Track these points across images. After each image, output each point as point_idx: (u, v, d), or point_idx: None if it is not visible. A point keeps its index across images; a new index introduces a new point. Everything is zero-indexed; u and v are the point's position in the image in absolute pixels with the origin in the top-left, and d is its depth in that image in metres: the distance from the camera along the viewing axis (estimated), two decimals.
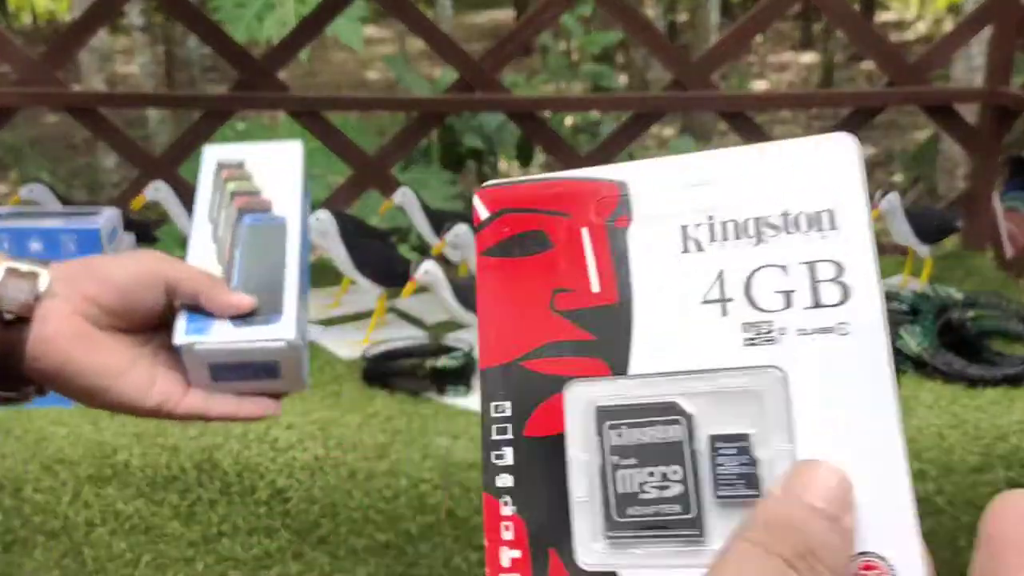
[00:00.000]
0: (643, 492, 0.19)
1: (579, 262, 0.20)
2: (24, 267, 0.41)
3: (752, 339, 0.19)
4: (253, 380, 0.44)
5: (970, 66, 2.90)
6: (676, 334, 0.19)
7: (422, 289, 0.92)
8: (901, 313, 1.04)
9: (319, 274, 1.24)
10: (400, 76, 2.88)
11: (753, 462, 0.18)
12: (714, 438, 0.19)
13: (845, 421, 0.18)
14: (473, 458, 0.81)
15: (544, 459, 0.19)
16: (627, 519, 0.19)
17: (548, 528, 0.19)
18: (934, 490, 0.81)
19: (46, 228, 1.01)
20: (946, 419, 0.85)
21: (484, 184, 0.22)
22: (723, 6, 5.41)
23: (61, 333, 0.40)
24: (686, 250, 0.20)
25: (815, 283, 0.19)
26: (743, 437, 0.18)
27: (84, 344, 0.40)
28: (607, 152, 1.39)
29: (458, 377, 0.91)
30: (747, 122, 1.36)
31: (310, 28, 1.34)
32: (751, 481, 0.18)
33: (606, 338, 0.20)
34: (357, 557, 0.81)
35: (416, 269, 0.88)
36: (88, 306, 0.41)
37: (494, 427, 0.20)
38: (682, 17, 6.48)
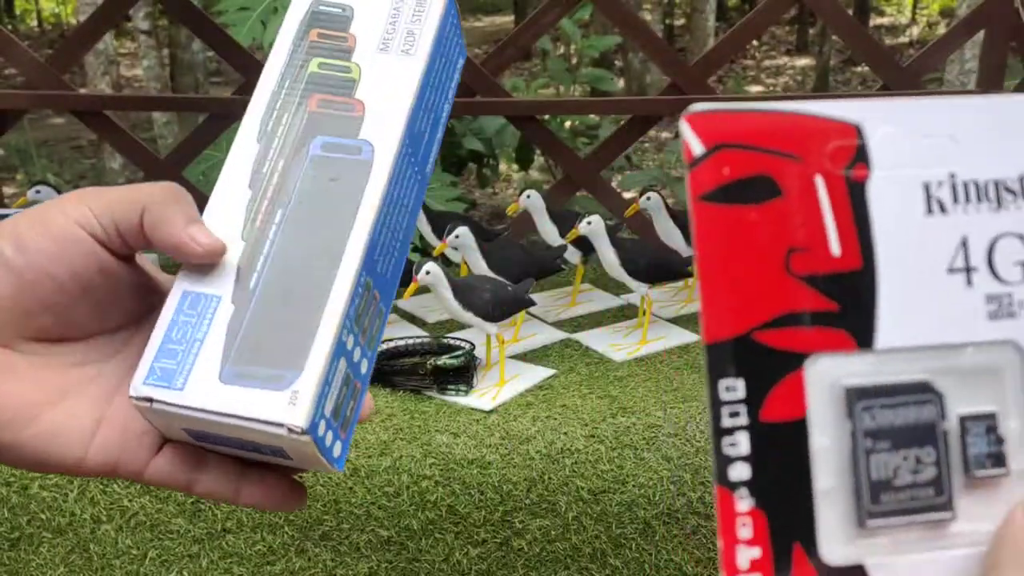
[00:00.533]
0: (897, 478, 0.18)
1: (815, 217, 0.18)
2: None
3: (995, 312, 0.18)
4: (253, 452, 0.28)
5: (963, 69, 2.92)
6: (922, 305, 0.18)
7: (424, 289, 0.93)
8: None
9: None
10: None
11: (1001, 441, 0.18)
12: (963, 418, 0.18)
13: None
14: (473, 455, 0.83)
15: (786, 446, 0.18)
16: (880, 507, 0.18)
17: (792, 522, 0.17)
18: None
19: None
20: None
21: (694, 108, 0.19)
22: (719, 10, 5.43)
23: None
24: (930, 211, 0.18)
25: None
26: (991, 416, 0.18)
27: None
28: (605, 154, 1.40)
29: (459, 375, 0.92)
30: None
31: None
32: (999, 459, 0.18)
33: (850, 308, 0.18)
34: (359, 553, 0.82)
35: (418, 270, 0.90)
36: None
37: (725, 410, 0.18)
38: (679, 21, 6.50)
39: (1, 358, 0.26)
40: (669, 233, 1.13)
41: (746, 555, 0.17)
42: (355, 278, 0.27)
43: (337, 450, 0.27)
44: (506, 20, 7.62)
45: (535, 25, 1.35)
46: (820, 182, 0.18)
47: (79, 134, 4.72)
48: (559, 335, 1.06)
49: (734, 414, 0.18)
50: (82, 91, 2.23)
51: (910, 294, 0.18)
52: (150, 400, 0.26)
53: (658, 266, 1.05)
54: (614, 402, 0.91)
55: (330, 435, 0.26)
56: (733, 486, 0.17)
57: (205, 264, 0.27)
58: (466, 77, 1.34)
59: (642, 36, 1.37)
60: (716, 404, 0.18)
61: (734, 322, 0.17)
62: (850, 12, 1.50)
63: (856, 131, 0.18)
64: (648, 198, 1.12)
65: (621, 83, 4.85)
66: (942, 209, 0.18)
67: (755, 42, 6.28)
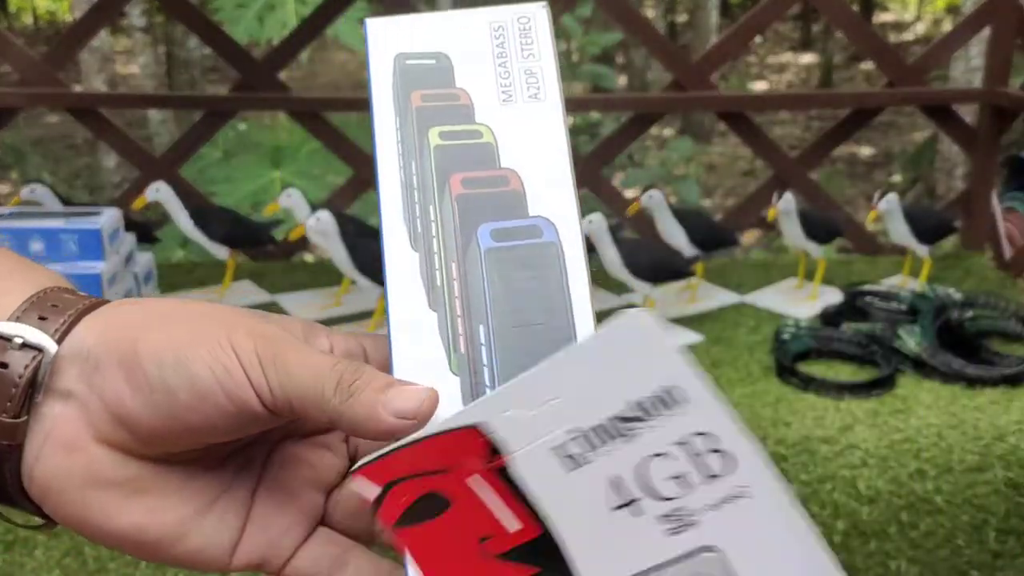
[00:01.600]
0: None
1: (484, 508, 0.20)
2: (25, 332, 0.23)
3: (675, 528, 0.20)
4: None
5: (969, 67, 2.91)
6: (606, 545, 0.20)
7: None
8: (900, 313, 1.05)
9: (319, 274, 1.24)
10: None
11: None
12: None
13: (790, 570, 0.19)
14: None
15: None
16: None
17: None
18: (932, 489, 0.81)
19: (47, 228, 1.01)
20: (945, 419, 0.86)
21: (357, 465, 0.22)
22: (722, 7, 5.42)
23: (63, 480, 0.24)
24: (572, 468, 0.20)
25: (697, 459, 0.19)
26: None
27: (112, 499, 0.24)
28: (607, 152, 1.39)
29: None
30: (746, 123, 1.36)
31: (310, 29, 1.34)
32: None
33: (548, 567, 0.20)
34: None
35: None
36: (115, 428, 0.24)
37: None
38: (682, 18, 6.49)
39: (148, 471, 0.25)
40: (671, 232, 1.12)
41: None
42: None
43: None
44: None
45: None
46: (476, 480, 0.20)
47: (74, 132, 4.71)
48: None
49: None
50: (77, 89, 2.22)
51: (590, 540, 0.20)
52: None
53: (660, 265, 1.03)
54: None
55: None
56: None
57: None
58: None
59: (644, 33, 1.35)
60: None
61: None
62: (854, 8, 1.48)
63: (478, 431, 0.20)
64: (650, 196, 1.11)
65: (623, 80, 4.84)
66: (581, 462, 0.20)
67: (758, 39, 6.26)
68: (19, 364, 0.23)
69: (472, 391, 0.23)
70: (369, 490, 0.21)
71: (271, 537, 0.26)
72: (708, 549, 0.19)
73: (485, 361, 0.23)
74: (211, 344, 0.24)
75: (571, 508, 0.20)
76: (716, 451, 0.19)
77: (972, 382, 0.92)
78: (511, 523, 0.20)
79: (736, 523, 0.19)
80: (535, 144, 0.24)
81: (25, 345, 0.23)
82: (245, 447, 0.27)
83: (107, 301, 0.26)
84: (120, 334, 0.24)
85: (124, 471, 0.24)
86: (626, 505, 0.20)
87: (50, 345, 0.24)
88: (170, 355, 0.23)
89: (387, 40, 0.26)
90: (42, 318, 0.24)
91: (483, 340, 0.23)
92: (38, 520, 0.26)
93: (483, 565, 0.20)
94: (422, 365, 0.23)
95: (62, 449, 0.24)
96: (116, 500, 0.24)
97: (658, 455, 0.19)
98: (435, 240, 0.24)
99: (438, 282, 0.24)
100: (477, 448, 0.20)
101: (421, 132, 0.25)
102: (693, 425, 0.19)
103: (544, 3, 0.26)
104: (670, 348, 0.20)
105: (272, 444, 0.27)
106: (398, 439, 0.21)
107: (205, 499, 0.26)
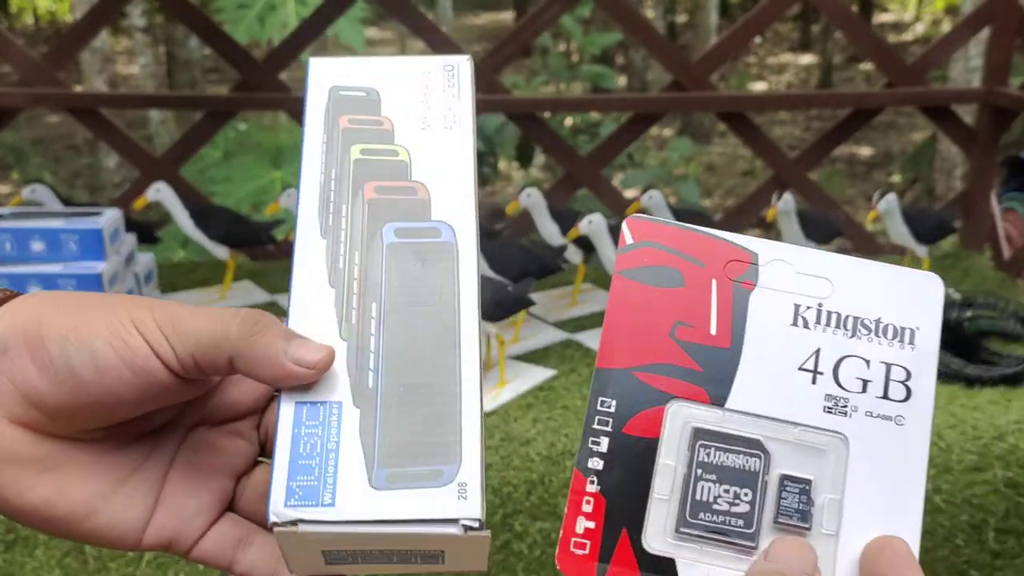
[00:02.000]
0: (716, 504, 0.23)
1: (704, 305, 0.24)
2: None
3: (830, 408, 0.24)
4: (394, 564, 0.26)
5: (968, 67, 2.91)
6: (771, 386, 0.24)
7: None
8: None
9: None
10: None
11: (810, 503, 0.23)
12: (784, 477, 0.23)
13: (884, 491, 0.23)
14: None
15: (635, 455, 0.23)
16: (696, 521, 0.23)
17: (626, 513, 0.23)
18: (932, 489, 0.82)
19: (48, 228, 1.02)
20: (944, 418, 0.86)
21: (635, 215, 0.26)
22: (722, 7, 5.42)
23: None
24: (795, 323, 0.24)
25: (888, 380, 0.24)
26: (807, 482, 0.23)
27: (23, 476, 0.25)
28: (607, 152, 1.39)
29: None
30: (746, 123, 1.36)
31: (311, 29, 1.35)
32: (805, 517, 0.23)
33: (712, 373, 0.24)
34: None
35: None
36: (25, 408, 0.25)
37: (597, 417, 0.24)
38: (681, 18, 6.49)
39: (59, 449, 0.26)
40: None
41: (583, 524, 0.23)
42: (479, 359, 0.26)
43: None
44: (506, 17, 7.61)
45: (536, 22, 1.34)
46: (714, 284, 0.24)
47: (75, 132, 4.71)
48: (560, 336, 1.05)
49: (603, 422, 0.23)
50: (78, 89, 2.22)
51: (762, 376, 0.24)
52: (297, 522, 0.24)
53: None
54: None
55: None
56: (587, 472, 0.23)
57: None
58: None
59: (644, 33, 1.35)
60: (592, 413, 0.24)
61: (621, 359, 0.24)
62: (854, 9, 1.48)
63: (752, 256, 0.25)
64: (650, 197, 1.11)
65: (622, 80, 4.84)
66: (805, 325, 0.24)
67: (758, 39, 6.27)
68: None
69: (356, 356, 0.26)
70: (627, 235, 0.25)
71: (181, 518, 0.28)
72: (839, 435, 0.23)
73: (373, 331, 0.26)
74: (111, 322, 0.25)
75: (769, 347, 0.24)
76: (905, 384, 0.24)
77: (971, 382, 0.92)
78: (714, 327, 0.24)
79: (874, 435, 0.23)
80: (444, 164, 0.28)
81: None
82: (159, 431, 0.28)
83: (20, 294, 0.27)
84: (26, 319, 0.26)
85: (36, 449, 0.26)
86: (810, 372, 0.24)
87: None
88: (72, 335, 0.25)
89: (326, 76, 0.30)
90: None
91: (374, 315, 0.26)
92: None
93: (662, 339, 0.24)
94: (315, 327, 0.26)
95: None
96: (27, 477, 0.26)
97: (863, 359, 0.24)
98: (343, 232, 0.28)
99: (340, 265, 0.27)
100: (741, 266, 0.25)
101: (344, 148, 0.29)
102: (905, 361, 0.24)
103: (468, 56, 0.31)
104: (938, 309, 0.25)
105: (187, 430, 0.29)
106: (287, 387, 0.25)
107: (115, 478, 0.27)
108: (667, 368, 0.24)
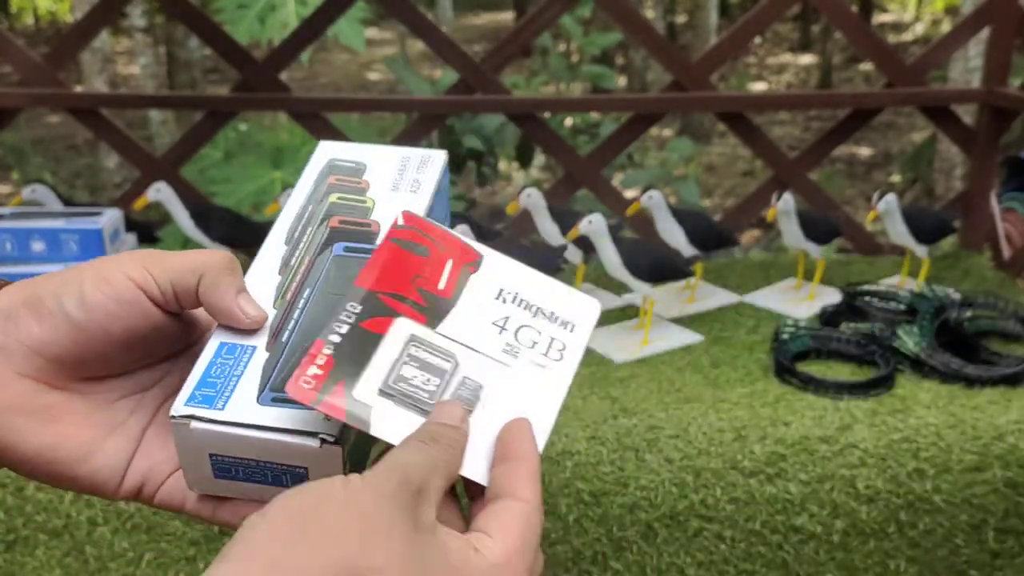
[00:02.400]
0: (412, 381, 0.31)
1: (438, 272, 0.34)
2: None
3: (506, 351, 0.33)
4: (269, 485, 0.31)
5: (968, 67, 2.91)
6: (471, 328, 0.33)
7: None
8: (899, 313, 1.05)
9: None
10: (401, 77, 2.89)
11: (476, 394, 0.32)
12: (464, 377, 0.32)
13: (527, 402, 0.33)
14: None
15: (361, 340, 0.31)
16: (395, 387, 0.31)
17: (345, 371, 0.31)
18: (931, 489, 0.82)
19: (48, 228, 1.02)
20: (943, 419, 0.86)
21: (409, 212, 0.35)
22: (722, 8, 5.42)
23: None
24: (497, 298, 0.34)
25: (550, 347, 0.34)
26: (478, 384, 0.32)
27: (29, 422, 0.30)
28: (607, 153, 1.39)
29: None
30: (746, 123, 1.36)
31: (311, 29, 1.35)
32: (471, 403, 0.32)
33: (433, 310, 0.33)
34: None
35: None
36: (32, 360, 0.30)
37: (344, 314, 0.32)
38: (681, 19, 6.49)
39: (61, 400, 0.31)
40: (671, 232, 1.12)
41: (313, 371, 0.30)
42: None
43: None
44: (506, 17, 7.61)
45: (536, 22, 1.34)
46: (449, 262, 0.34)
47: (75, 133, 4.71)
48: None
49: (349, 317, 0.32)
50: (78, 89, 2.22)
51: (467, 320, 0.33)
52: (191, 418, 0.30)
53: (660, 266, 1.04)
54: (615, 403, 0.90)
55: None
56: (328, 343, 0.31)
57: None
58: (466, 74, 1.33)
59: (644, 33, 1.35)
60: (342, 310, 0.32)
61: (373, 285, 0.33)
62: (853, 9, 1.48)
63: (479, 256, 0.35)
64: (650, 197, 1.11)
65: (622, 80, 4.84)
66: (504, 301, 0.34)
67: (758, 39, 6.26)
68: None
69: (281, 320, 0.34)
70: (399, 220, 0.34)
71: (152, 465, 0.33)
72: (507, 365, 0.33)
73: (300, 307, 0.34)
74: (97, 268, 0.31)
75: (475, 306, 0.34)
76: (561, 352, 0.34)
77: (971, 382, 0.92)
78: (443, 283, 0.34)
79: (530, 373, 0.33)
80: (400, 208, 0.36)
81: None
82: (145, 392, 0.34)
83: (11, 283, 0.32)
84: (22, 287, 0.31)
85: (41, 399, 0.31)
86: (499, 327, 0.34)
87: None
88: (63, 287, 0.30)
89: (330, 152, 0.40)
90: None
91: (305, 296, 0.34)
92: None
93: (406, 281, 0.33)
94: (257, 295, 0.34)
95: None
96: (32, 423, 0.30)
97: (537, 331, 0.34)
98: (303, 243, 0.36)
99: (292, 262, 0.36)
100: (470, 258, 0.35)
101: (326, 194, 0.38)
102: (566, 341, 0.34)
103: (444, 152, 0.40)
104: (591, 321, 0.36)
105: (167, 394, 0.34)
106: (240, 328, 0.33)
107: (106, 428, 0.32)
108: (401, 298, 0.33)
